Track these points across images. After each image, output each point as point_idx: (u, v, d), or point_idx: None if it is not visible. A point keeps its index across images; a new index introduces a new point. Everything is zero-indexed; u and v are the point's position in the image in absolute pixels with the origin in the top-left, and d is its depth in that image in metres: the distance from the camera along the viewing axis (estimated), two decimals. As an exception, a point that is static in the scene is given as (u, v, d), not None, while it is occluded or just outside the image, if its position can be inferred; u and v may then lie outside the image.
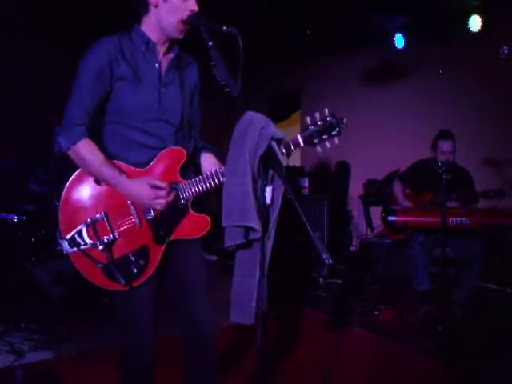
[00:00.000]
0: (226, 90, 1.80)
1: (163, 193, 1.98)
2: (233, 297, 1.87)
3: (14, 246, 4.31)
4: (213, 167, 2.12)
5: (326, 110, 2.01)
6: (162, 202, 1.99)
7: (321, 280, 5.47)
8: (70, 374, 3.17)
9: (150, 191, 1.97)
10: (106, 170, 1.95)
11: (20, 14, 4.79)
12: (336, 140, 2.01)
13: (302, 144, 1.99)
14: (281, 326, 4.17)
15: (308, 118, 2.01)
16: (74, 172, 2.00)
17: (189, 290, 2.15)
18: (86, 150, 1.95)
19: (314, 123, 2.00)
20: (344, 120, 2.01)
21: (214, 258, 6.76)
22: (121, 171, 1.98)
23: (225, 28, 1.85)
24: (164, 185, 1.99)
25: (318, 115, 2.00)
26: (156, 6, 2.01)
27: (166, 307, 2.13)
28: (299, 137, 1.99)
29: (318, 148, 2.00)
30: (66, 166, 2.04)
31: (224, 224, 1.77)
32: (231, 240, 1.79)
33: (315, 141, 1.99)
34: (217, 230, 2.00)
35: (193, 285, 2.16)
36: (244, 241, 1.78)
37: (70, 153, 1.96)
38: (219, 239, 1.86)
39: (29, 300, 4.17)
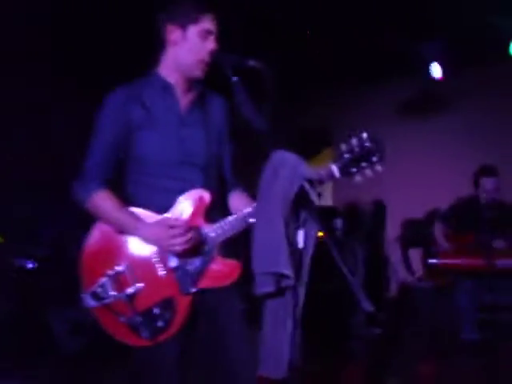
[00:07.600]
0: (253, 127, 1.78)
1: (179, 231, 1.87)
2: (263, 349, 1.80)
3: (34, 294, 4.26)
4: (241, 208, 2.00)
5: (364, 135, 1.75)
6: (179, 240, 1.87)
7: (358, 329, 5.20)
8: None
9: (165, 232, 1.88)
10: (122, 216, 1.95)
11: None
12: (379, 167, 1.75)
13: (337, 175, 1.76)
14: (316, 380, 3.85)
15: (343, 146, 1.76)
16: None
17: (228, 343, 2.00)
18: (101, 199, 1.97)
19: (350, 150, 1.75)
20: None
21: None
22: (137, 217, 1.95)
23: (250, 63, 1.84)
24: (179, 223, 1.90)
25: (354, 141, 1.74)
26: (175, 44, 1.98)
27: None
28: (334, 167, 1.76)
29: (357, 178, 1.75)
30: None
31: (254, 270, 1.72)
32: (262, 287, 1.72)
33: (353, 170, 1.75)
34: (245, 275, 1.91)
35: (232, 336, 2.01)
36: (275, 288, 1.71)
37: (88, 205, 1.97)
38: (247, 284, 1.82)
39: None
